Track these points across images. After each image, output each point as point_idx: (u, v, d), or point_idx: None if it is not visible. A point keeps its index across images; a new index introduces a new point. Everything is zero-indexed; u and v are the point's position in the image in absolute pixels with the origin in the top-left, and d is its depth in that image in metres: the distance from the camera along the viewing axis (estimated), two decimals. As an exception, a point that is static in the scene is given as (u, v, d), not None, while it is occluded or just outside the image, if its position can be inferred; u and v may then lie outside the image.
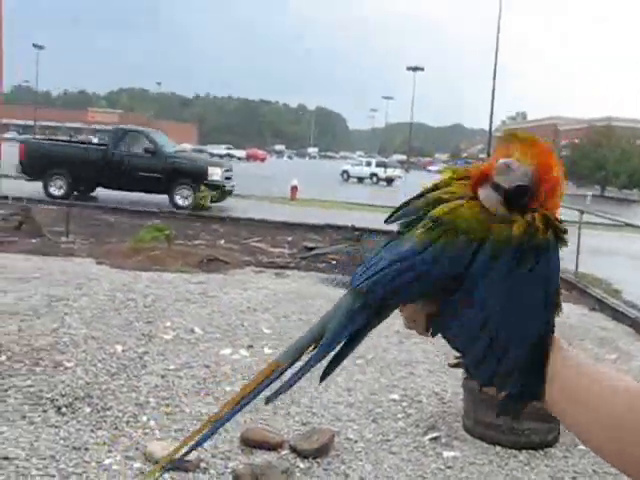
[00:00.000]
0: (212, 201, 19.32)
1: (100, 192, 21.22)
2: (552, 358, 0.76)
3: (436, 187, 0.85)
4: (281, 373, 0.92)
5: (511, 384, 0.76)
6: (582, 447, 4.86)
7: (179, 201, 19.50)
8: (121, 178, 19.83)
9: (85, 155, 20.75)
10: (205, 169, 20.07)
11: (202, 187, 19.03)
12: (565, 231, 0.79)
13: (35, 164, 20.43)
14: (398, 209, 0.88)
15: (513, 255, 0.75)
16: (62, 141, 25.12)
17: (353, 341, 0.90)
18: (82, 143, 23.67)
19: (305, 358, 0.93)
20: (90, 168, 20.02)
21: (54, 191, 20.26)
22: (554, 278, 0.77)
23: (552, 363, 0.76)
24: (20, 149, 21.02)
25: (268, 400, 0.94)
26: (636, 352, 7.73)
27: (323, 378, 0.93)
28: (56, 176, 20.41)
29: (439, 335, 0.84)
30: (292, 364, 0.92)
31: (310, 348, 0.92)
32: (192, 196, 19.19)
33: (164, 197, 19.94)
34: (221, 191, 20.08)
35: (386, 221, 0.89)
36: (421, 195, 0.85)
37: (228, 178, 21.12)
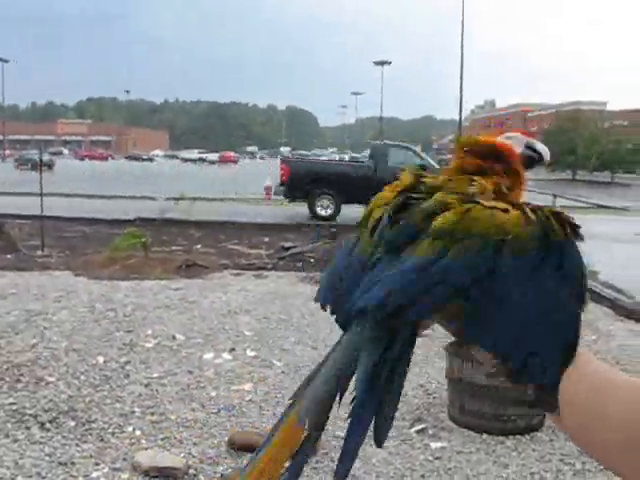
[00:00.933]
0: None
1: (73, 202, 21.05)
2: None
3: (411, 190, 0.83)
4: (314, 443, 0.76)
5: (548, 376, 0.74)
6: (567, 429, 4.90)
7: None
8: None
9: (351, 172, 20.39)
10: None
11: None
12: (579, 226, 0.80)
13: (300, 184, 19.96)
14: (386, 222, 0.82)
15: (538, 251, 0.75)
16: (325, 160, 24.68)
17: (392, 382, 0.77)
18: (342, 161, 22.80)
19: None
20: (356, 186, 19.09)
21: (321, 211, 19.89)
22: (580, 272, 0.78)
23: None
24: (283, 170, 20.48)
25: (338, 477, 0.75)
26: (615, 332, 7.81)
27: (380, 442, 0.76)
28: (323, 195, 20.07)
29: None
30: (322, 429, 0.77)
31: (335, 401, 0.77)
32: None
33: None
34: None
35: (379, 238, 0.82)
36: (403, 205, 0.82)
37: None
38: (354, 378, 0.76)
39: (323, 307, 0.86)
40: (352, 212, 17.59)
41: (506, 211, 0.77)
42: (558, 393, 0.73)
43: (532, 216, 0.77)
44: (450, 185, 0.83)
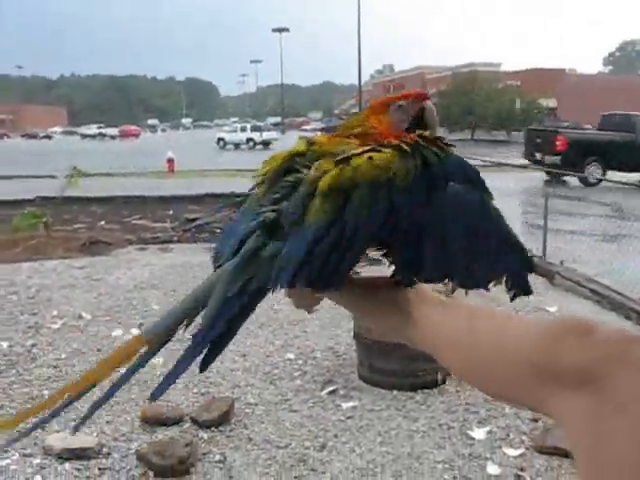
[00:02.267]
0: None
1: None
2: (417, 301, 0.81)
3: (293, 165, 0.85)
4: (150, 356, 0.81)
5: (493, 272, 0.80)
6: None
7: None
8: None
9: (618, 141, 21.73)
10: None
11: None
12: (444, 140, 0.84)
13: (576, 153, 20.87)
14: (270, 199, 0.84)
15: (423, 175, 0.78)
16: (595, 132, 25.18)
17: (232, 328, 0.80)
18: (608, 132, 23.16)
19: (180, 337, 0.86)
20: (622, 153, 21.05)
21: (589, 177, 20.36)
22: (474, 172, 0.82)
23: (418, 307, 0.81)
24: (560, 140, 21.51)
25: (153, 397, 0.80)
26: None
27: (204, 368, 0.81)
28: (593, 163, 21.28)
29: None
30: (163, 345, 0.82)
31: (183, 324, 0.83)
32: None
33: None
34: None
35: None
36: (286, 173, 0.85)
37: None
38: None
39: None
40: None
41: (379, 151, 0.79)
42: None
43: (406, 147, 0.79)
44: (327, 149, 0.85)
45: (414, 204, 0.76)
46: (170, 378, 0.79)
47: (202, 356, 0.80)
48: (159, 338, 0.81)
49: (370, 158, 0.78)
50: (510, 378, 0.70)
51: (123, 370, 0.82)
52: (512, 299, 0.82)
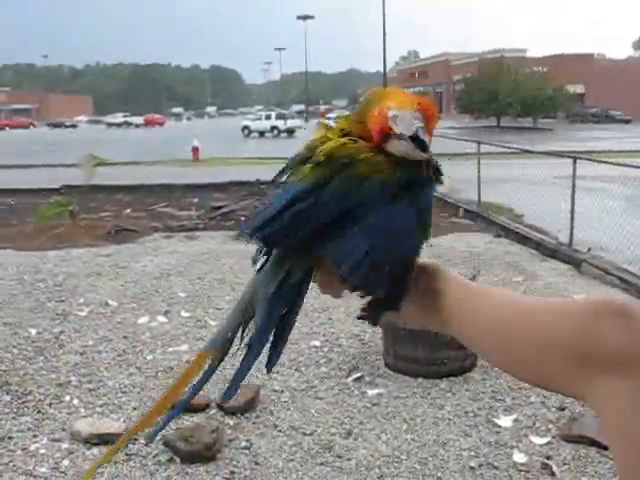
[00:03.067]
0: None
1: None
2: (446, 285, 0.82)
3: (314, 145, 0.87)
4: (216, 367, 0.87)
5: (379, 290, 0.82)
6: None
7: None
8: None
9: None
10: None
11: None
12: (442, 173, 0.85)
13: None
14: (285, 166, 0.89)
15: (397, 189, 0.81)
16: None
17: (286, 324, 0.87)
18: None
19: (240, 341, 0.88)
20: None
21: None
22: (428, 211, 0.84)
23: (447, 289, 0.82)
24: None
25: (223, 400, 0.93)
26: (541, 272, 8.05)
27: (270, 368, 0.88)
28: None
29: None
30: (225, 354, 0.87)
31: (239, 331, 0.87)
32: None
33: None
34: None
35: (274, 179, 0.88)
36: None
37: None
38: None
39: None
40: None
41: (378, 155, 0.81)
42: (383, 312, 0.85)
43: (400, 161, 0.81)
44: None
45: (376, 205, 0.80)
46: (237, 381, 0.87)
47: (266, 356, 0.87)
48: (220, 350, 0.87)
49: (369, 156, 0.81)
50: (546, 361, 0.69)
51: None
52: (358, 317, 0.88)
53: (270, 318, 0.85)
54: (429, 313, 0.83)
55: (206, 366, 0.87)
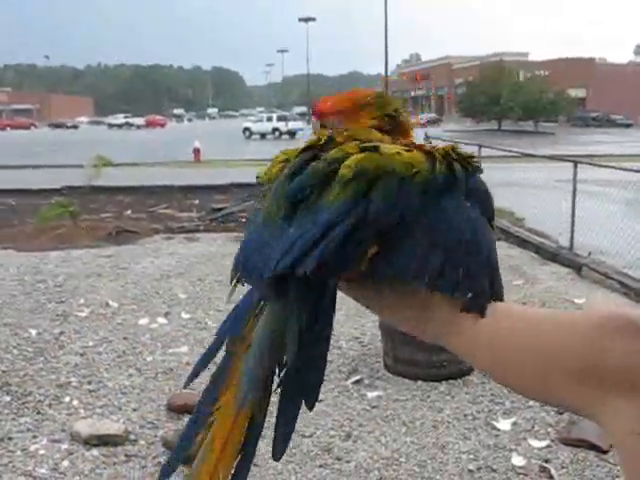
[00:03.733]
0: None
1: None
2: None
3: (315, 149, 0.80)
4: (262, 424, 0.75)
5: (475, 285, 0.76)
6: (498, 372, 5.07)
7: None
8: None
9: None
10: None
11: None
12: (475, 158, 0.83)
13: None
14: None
15: (445, 183, 0.77)
16: None
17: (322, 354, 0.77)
18: None
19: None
20: None
21: None
22: (486, 195, 0.82)
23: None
24: None
25: (277, 458, 0.75)
26: (541, 276, 8.06)
27: (312, 406, 0.75)
28: None
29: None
30: (266, 408, 0.75)
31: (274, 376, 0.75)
32: None
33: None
34: None
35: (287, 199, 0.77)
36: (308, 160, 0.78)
37: None
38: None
39: (239, 281, 0.80)
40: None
41: (409, 151, 0.77)
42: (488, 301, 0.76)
43: (435, 154, 0.78)
44: (353, 134, 0.81)
45: (428, 205, 0.75)
46: (287, 435, 0.75)
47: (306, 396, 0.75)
48: (261, 408, 0.75)
49: (399, 153, 0.76)
50: (551, 376, 0.66)
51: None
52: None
53: (303, 355, 0.73)
54: (423, 322, 0.78)
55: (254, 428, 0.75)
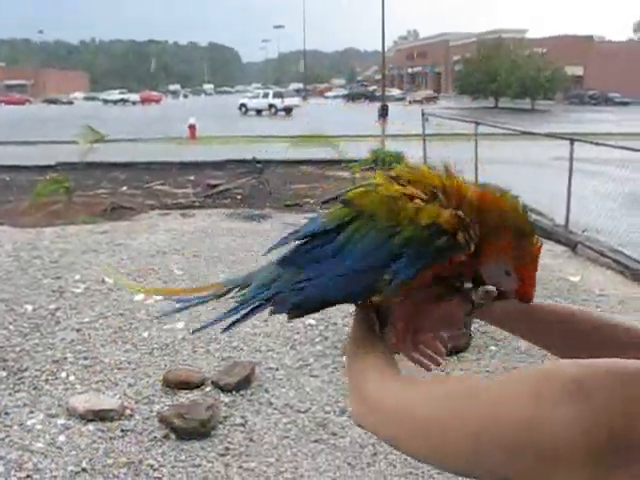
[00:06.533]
0: None
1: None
2: None
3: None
4: (221, 295, 1.04)
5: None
6: (492, 348, 5.10)
7: None
8: None
9: None
10: None
11: None
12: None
13: None
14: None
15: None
16: None
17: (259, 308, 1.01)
18: None
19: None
20: None
21: None
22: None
23: None
24: None
25: (195, 330, 1.13)
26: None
27: (227, 329, 1.04)
28: None
29: None
30: (228, 292, 1.03)
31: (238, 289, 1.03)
32: None
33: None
34: None
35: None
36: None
37: None
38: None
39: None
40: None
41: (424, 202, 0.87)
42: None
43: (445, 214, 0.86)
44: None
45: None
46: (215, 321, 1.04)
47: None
48: (229, 289, 1.04)
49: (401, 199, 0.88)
50: (485, 454, 0.58)
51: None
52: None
53: (250, 304, 1.01)
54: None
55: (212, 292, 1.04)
